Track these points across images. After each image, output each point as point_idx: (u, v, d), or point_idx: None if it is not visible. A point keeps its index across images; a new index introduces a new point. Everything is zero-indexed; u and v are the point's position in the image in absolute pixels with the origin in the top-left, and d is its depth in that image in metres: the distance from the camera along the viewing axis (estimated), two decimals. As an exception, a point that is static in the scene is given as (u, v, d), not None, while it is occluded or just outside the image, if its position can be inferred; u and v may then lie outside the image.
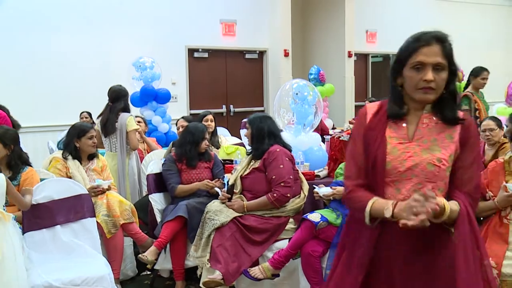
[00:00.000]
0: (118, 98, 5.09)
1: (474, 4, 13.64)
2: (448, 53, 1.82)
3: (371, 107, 1.92)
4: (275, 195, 3.65)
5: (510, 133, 3.53)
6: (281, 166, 3.69)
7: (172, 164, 4.22)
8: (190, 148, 4.22)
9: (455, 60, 1.84)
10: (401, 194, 1.81)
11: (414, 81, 1.80)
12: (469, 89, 5.49)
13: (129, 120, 5.02)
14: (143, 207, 4.41)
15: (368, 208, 1.77)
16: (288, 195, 3.68)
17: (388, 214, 1.70)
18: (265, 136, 3.83)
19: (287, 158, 3.76)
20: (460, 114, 1.86)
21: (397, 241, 1.82)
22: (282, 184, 3.66)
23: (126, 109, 5.15)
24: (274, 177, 3.68)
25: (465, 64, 10.79)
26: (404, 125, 1.87)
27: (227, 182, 3.98)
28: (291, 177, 3.72)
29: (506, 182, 3.13)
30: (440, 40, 1.83)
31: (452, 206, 1.73)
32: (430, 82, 1.77)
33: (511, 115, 4.55)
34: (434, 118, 1.86)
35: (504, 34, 14.65)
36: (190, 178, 4.21)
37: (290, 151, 3.92)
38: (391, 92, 1.91)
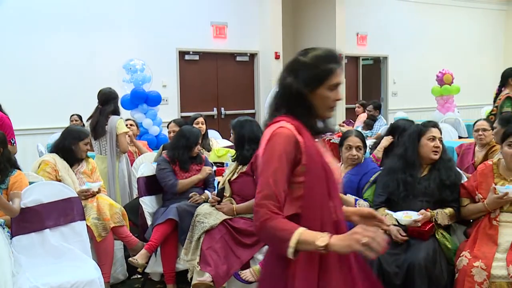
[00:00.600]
0: (107, 101, 5.06)
1: (463, 8, 13.74)
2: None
3: (295, 133, 1.78)
4: None
5: (499, 135, 3.55)
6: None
7: (167, 164, 4.22)
8: (182, 152, 4.21)
9: None
10: (333, 206, 1.86)
11: (329, 101, 1.84)
12: (508, 90, 5.39)
13: (119, 123, 5.00)
14: (133, 210, 4.39)
15: (295, 237, 1.63)
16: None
17: (323, 242, 1.61)
18: (245, 142, 3.81)
19: None
20: None
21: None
22: None
23: (116, 112, 5.13)
24: None
25: (454, 67, 10.89)
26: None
27: (217, 185, 3.97)
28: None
29: (495, 184, 3.15)
30: (339, 60, 1.90)
31: None
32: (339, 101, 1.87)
33: (501, 117, 4.59)
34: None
35: (493, 37, 14.77)
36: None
37: None
38: (302, 110, 1.84)
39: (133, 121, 6.02)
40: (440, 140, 3.38)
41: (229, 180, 3.87)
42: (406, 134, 3.52)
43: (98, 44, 8.00)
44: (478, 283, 2.86)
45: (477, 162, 4.25)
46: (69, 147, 4.06)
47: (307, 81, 1.81)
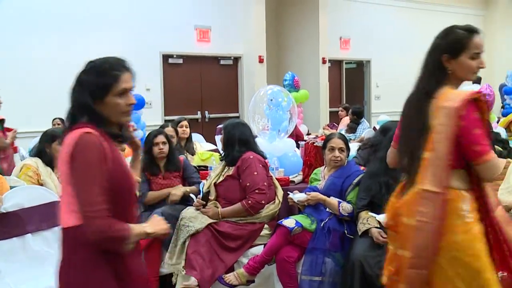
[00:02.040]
0: None
1: (443, 12, 13.93)
2: (133, 77, 2.05)
3: (97, 135, 1.88)
4: (249, 202, 3.65)
5: None
6: (255, 173, 3.69)
7: (141, 173, 4.17)
8: (145, 156, 4.19)
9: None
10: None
11: (121, 107, 1.93)
12: None
13: None
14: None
15: (133, 234, 1.87)
16: (263, 202, 3.68)
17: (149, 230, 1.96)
18: (235, 143, 3.81)
19: (260, 165, 3.76)
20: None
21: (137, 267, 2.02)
22: (256, 191, 3.65)
23: None
24: (248, 184, 3.68)
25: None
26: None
27: (202, 188, 3.96)
28: (265, 183, 3.72)
29: None
30: (128, 67, 2.05)
31: None
32: (133, 105, 1.99)
33: None
34: None
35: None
36: (160, 188, 4.17)
37: (264, 158, 3.92)
38: (97, 119, 1.92)
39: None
40: None
41: (215, 183, 3.86)
42: (387, 137, 3.54)
43: (81, 47, 7.93)
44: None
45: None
46: (43, 149, 4.02)
47: (93, 92, 1.89)
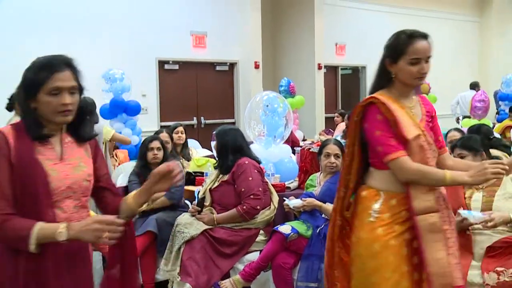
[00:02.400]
0: (92, 110, 5.04)
1: (439, 19, 14.00)
2: (77, 76, 1.98)
3: (8, 132, 1.87)
4: (244, 207, 3.64)
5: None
6: (250, 178, 3.69)
7: (135, 176, 4.18)
8: (139, 161, 4.20)
9: (82, 82, 2.00)
10: (64, 213, 1.89)
11: (53, 106, 1.87)
12: None
13: (105, 128, 4.95)
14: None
15: (34, 234, 1.75)
16: (258, 207, 3.68)
17: (62, 237, 1.74)
18: (228, 151, 3.80)
19: (256, 170, 3.76)
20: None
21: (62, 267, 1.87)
22: (251, 196, 3.65)
23: (96, 120, 5.09)
24: (243, 189, 3.68)
25: (430, 77, 11.03)
26: (50, 146, 1.93)
27: (197, 195, 3.95)
28: (261, 189, 3.72)
29: (465, 193, 3.21)
30: (70, 65, 1.97)
31: None
32: (68, 105, 1.89)
33: (470, 128, 4.68)
34: (71, 138, 1.99)
35: (467, 48, 15.07)
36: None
37: (259, 163, 3.92)
38: (25, 116, 1.92)
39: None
40: None
41: (210, 189, 3.86)
42: None
43: (77, 53, 7.83)
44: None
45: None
46: None
47: (26, 88, 1.89)
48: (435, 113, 2.56)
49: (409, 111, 2.42)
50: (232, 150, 3.80)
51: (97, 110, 5.77)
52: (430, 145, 2.41)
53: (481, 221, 2.88)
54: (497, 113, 11.61)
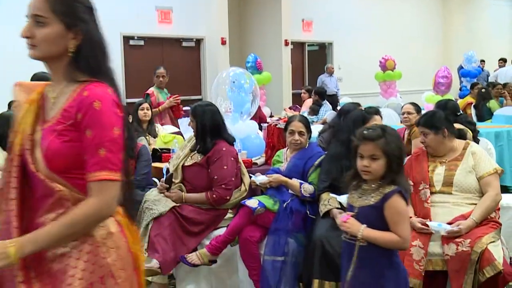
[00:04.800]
0: None
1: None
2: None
3: None
4: (214, 196, 3.62)
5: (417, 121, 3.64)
6: (225, 167, 3.64)
7: None
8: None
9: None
10: None
11: None
12: None
13: None
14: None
15: None
16: (227, 197, 3.64)
17: None
18: (207, 132, 3.71)
19: (232, 158, 3.70)
20: None
21: None
22: (223, 186, 3.62)
23: None
24: (216, 177, 3.63)
25: (396, 53, 11.20)
26: None
27: (165, 171, 3.92)
28: (233, 179, 3.68)
29: (428, 167, 3.29)
30: None
31: None
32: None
33: (437, 103, 4.79)
34: None
35: (432, 26, 15.27)
36: None
37: (234, 141, 3.87)
38: None
39: None
40: None
41: (183, 165, 3.80)
42: (350, 120, 3.59)
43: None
44: (416, 261, 2.99)
45: (404, 143, 4.43)
46: (4, 134, 3.88)
47: None
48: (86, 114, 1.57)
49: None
50: (211, 130, 3.72)
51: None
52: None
53: (449, 231, 2.97)
54: (460, 89, 11.85)
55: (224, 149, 3.68)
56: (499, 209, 3.37)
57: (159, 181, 3.91)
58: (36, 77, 4.97)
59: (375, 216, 2.30)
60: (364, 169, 2.31)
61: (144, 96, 5.69)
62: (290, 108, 9.36)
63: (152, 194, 3.78)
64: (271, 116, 8.23)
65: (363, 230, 2.27)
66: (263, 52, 10.70)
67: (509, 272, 2.94)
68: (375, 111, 3.55)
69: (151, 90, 5.62)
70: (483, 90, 8.32)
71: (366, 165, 2.29)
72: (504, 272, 2.88)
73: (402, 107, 4.84)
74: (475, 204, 3.23)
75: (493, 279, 2.88)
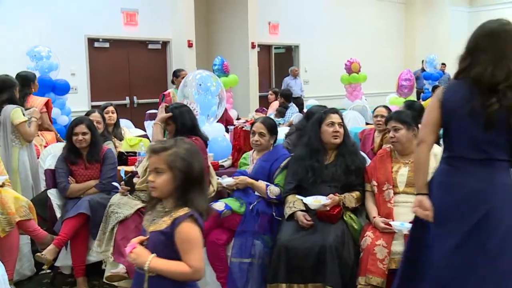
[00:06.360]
0: (2, 89, 4.75)
1: (369, 0, 14.39)
2: None
3: None
4: None
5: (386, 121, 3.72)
6: None
7: (63, 163, 4.03)
8: (66, 145, 4.08)
9: None
10: None
11: None
12: None
13: (13, 112, 4.62)
14: (41, 203, 4.22)
15: None
16: None
17: None
18: (186, 132, 3.71)
19: (204, 155, 3.74)
20: None
21: None
22: None
23: (12, 101, 4.79)
24: None
25: (361, 56, 11.37)
26: None
27: (124, 174, 3.90)
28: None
29: (392, 168, 3.37)
30: None
31: None
32: None
33: (405, 104, 4.90)
34: None
35: (395, 30, 15.58)
36: (81, 180, 4.03)
37: (207, 141, 3.90)
38: None
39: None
40: (340, 125, 3.52)
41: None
42: (309, 123, 3.65)
43: (1, 30, 7.54)
44: (380, 260, 3.05)
45: (375, 147, 4.51)
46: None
47: None
48: None
49: None
50: (189, 129, 3.76)
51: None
52: None
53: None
54: (422, 91, 12.12)
55: (198, 143, 3.69)
56: (459, 208, 3.46)
57: (120, 184, 3.88)
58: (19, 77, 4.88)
59: (165, 244, 2.04)
60: (150, 184, 2.09)
61: (160, 97, 5.59)
62: (257, 110, 9.40)
63: (116, 197, 3.76)
64: (238, 119, 8.25)
65: (150, 261, 1.99)
66: (230, 54, 10.71)
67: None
68: (333, 110, 3.60)
69: (169, 91, 5.49)
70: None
71: (151, 179, 2.07)
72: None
73: (375, 110, 4.87)
74: (437, 204, 3.32)
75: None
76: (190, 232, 2.02)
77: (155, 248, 2.04)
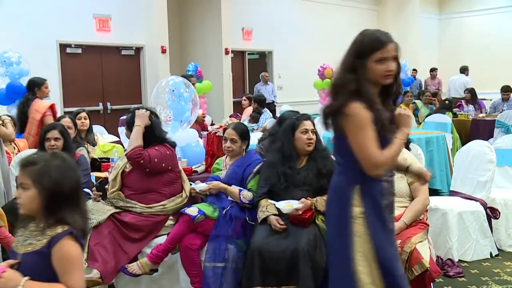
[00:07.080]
0: None
1: (340, 6, 14.59)
2: None
3: None
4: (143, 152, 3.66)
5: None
6: (156, 148, 3.71)
7: None
8: (39, 150, 4.06)
9: None
10: None
11: None
12: None
13: None
14: (13, 210, 4.17)
15: None
16: (141, 161, 3.64)
17: None
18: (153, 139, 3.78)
19: (168, 152, 3.78)
20: None
21: None
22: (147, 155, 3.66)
23: None
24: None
25: (334, 62, 11.49)
26: None
27: (95, 180, 3.89)
28: (156, 160, 3.67)
29: None
30: None
31: None
32: None
33: None
34: None
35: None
36: None
37: (175, 146, 3.92)
38: None
39: (9, 116, 5.67)
40: (313, 132, 3.57)
41: (122, 172, 3.80)
42: (281, 129, 3.70)
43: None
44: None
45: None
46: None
47: None
48: None
49: None
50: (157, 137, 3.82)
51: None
52: None
53: None
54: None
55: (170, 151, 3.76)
56: (427, 211, 3.57)
57: (91, 191, 3.87)
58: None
59: (41, 265, 1.89)
60: (17, 200, 1.97)
61: None
62: (231, 116, 9.44)
63: (89, 204, 3.74)
64: (212, 124, 8.27)
65: (23, 285, 1.82)
66: (204, 60, 10.74)
67: (435, 270, 3.12)
68: (306, 117, 3.65)
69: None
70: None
71: (17, 195, 1.96)
72: (430, 270, 3.06)
73: None
74: (406, 207, 3.42)
75: (421, 277, 3.05)
76: (70, 250, 1.89)
77: (29, 271, 1.88)
